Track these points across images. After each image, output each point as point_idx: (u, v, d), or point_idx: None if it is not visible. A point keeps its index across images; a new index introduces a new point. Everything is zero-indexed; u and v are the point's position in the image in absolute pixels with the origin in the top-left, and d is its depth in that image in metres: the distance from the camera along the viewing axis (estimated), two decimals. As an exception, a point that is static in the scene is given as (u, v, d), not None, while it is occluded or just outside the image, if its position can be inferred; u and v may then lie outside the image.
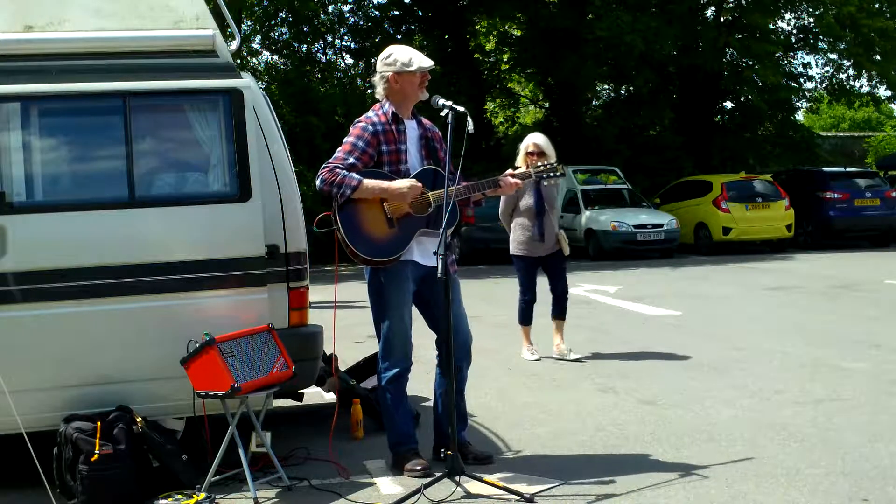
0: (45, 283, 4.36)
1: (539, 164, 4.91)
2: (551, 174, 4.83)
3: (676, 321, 9.69)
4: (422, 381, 5.91)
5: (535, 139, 7.44)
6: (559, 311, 7.68)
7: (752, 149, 26.24)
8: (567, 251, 7.59)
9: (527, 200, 7.50)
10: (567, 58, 22.77)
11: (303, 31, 25.33)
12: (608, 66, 24.33)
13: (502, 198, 7.38)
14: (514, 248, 7.63)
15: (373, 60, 24.21)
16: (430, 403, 5.96)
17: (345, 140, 4.62)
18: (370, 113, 4.69)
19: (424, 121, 4.81)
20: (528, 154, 7.32)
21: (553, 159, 6.88)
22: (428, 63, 4.65)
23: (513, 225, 7.63)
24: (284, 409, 6.00)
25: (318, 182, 4.52)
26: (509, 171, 4.81)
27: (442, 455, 4.33)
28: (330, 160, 4.57)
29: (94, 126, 4.70)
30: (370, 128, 4.60)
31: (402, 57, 4.63)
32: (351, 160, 4.52)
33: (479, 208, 17.49)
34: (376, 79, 4.72)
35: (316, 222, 4.84)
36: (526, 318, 7.75)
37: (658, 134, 25.84)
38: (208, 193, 4.67)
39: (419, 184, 4.51)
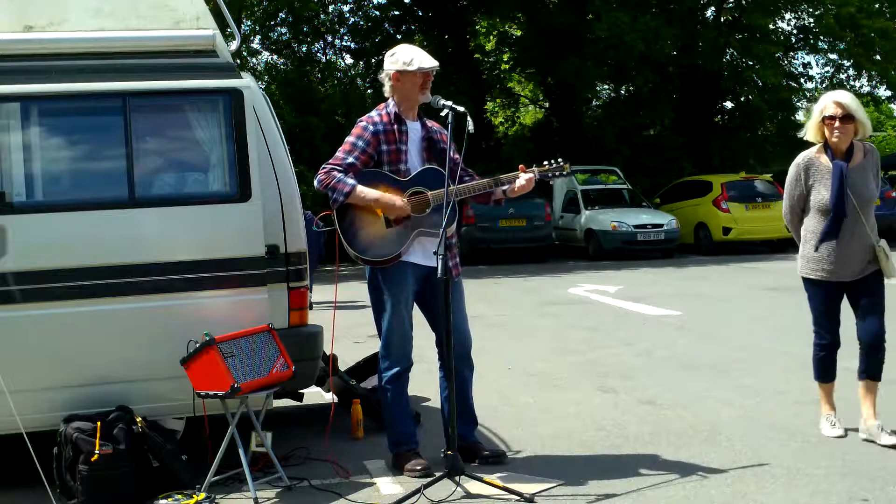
0: (45, 283, 4.36)
1: (545, 162, 4.78)
2: (557, 174, 4.73)
3: (676, 321, 9.68)
4: (422, 382, 5.91)
5: (838, 97, 4.88)
6: (870, 366, 4.93)
7: (753, 149, 26.25)
8: (892, 273, 4.94)
9: (820, 192, 4.92)
10: (567, 58, 22.76)
11: (303, 31, 25.32)
12: (608, 66, 24.30)
13: (785, 193, 5.09)
14: (804, 268, 5.01)
15: (373, 60, 24.40)
16: (431, 403, 5.99)
17: (346, 139, 4.65)
18: (373, 112, 4.72)
19: (430, 123, 4.80)
20: (827, 120, 4.86)
21: (868, 127, 4.92)
22: (429, 64, 4.63)
23: (803, 232, 5.05)
24: (284, 409, 6.00)
25: (315, 183, 4.58)
26: (521, 166, 4.75)
27: (442, 455, 4.33)
28: (329, 161, 4.60)
29: (94, 126, 4.70)
30: (370, 127, 4.62)
31: (405, 56, 4.65)
32: (350, 160, 4.56)
33: (479, 209, 17.58)
34: (383, 76, 4.74)
35: (316, 221, 4.86)
36: (825, 371, 5.08)
37: (658, 134, 25.83)
38: (208, 193, 4.67)
39: (407, 208, 4.51)
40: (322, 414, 5.92)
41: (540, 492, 4.22)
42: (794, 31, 26.49)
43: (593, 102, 28.42)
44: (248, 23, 24.18)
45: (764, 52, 23.54)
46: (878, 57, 24.13)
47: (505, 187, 4.68)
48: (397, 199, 4.51)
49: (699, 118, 25.55)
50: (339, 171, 4.52)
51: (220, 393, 4.19)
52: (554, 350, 8.18)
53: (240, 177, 4.58)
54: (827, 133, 4.87)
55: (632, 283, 13.65)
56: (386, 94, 4.76)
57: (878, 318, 4.91)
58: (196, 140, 4.72)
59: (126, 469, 4.19)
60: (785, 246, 19.32)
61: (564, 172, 4.72)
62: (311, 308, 5.09)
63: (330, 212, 4.59)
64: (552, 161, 4.75)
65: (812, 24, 25.33)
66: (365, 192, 4.50)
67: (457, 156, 4.64)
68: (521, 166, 4.73)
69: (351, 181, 4.50)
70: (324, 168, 4.57)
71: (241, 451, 4.27)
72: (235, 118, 4.61)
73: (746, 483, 4.29)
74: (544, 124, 27.50)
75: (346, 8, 26.09)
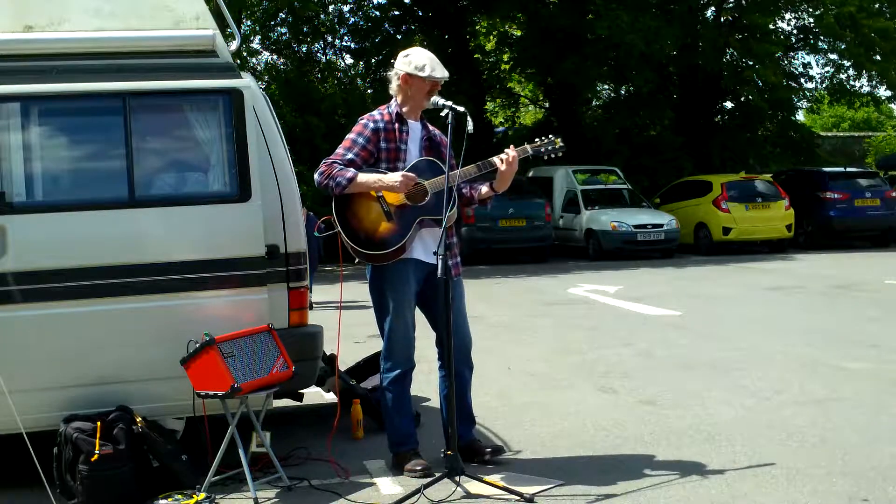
0: (45, 283, 4.36)
1: (536, 139, 4.73)
2: (549, 149, 4.66)
3: (676, 321, 9.68)
4: (422, 381, 5.91)
5: None
6: None
7: (753, 149, 26.25)
8: None
9: None
10: (567, 58, 22.77)
11: (303, 31, 25.34)
12: (608, 66, 24.32)
13: None
14: None
15: (373, 60, 24.38)
16: (431, 404, 5.99)
17: (346, 136, 4.66)
18: (374, 111, 4.73)
19: (431, 126, 4.81)
20: None
21: None
22: (440, 74, 4.61)
23: None
24: (284, 409, 6.00)
25: (315, 176, 4.56)
26: (511, 146, 4.66)
27: (442, 455, 4.32)
28: (329, 156, 4.61)
29: (94, 126, 4.71)
30: (371, 125, 4.62)
31: (418, 61, 4.62)
32: (350, 156, 4.56)
33: (479, 209, 17.57)
34: (391, 73, 4.73)
35: (317, 227, 4.85)
36: None
37: (658, 134, 25.84)
38: (208, 193, 4.67)
39: (412, 175, 4.51)
40: (322, 414, 5.93)
41: (540, 492, 4.22)
42: (794, 31, 26.52)
43: (593, 102, 28.43)
44: (248, 23, 24.18)
45: (764, 51, 23.56)
46: (878, 57, 24.14)
47: (490, 190, 4.67)
48: (397, 175, 4.47)
49: (699, 118, 25.55)
50: (340, 165, 4.53)
51: (220, 393, 4.18)
52: (554, 350, 8.18)
53: (240, 177, 4.58)
54: None
55: (632, 283, 13.65)
56: (391, 92, 4.75)
57: None
58: (196, 140, 4.72)
59: (126, 469, 4.19)
60: (785, 246, 19.36)
61: (556, 146, 4.66)
62: (311, 308, 5.09)
63: (331, 216, 4.58)
64: (544, 137, 4.72)
65: (812, 24, 25.35)
66: (366, 177, 4.49)
67: (453, 161, 4.65)
68: (511, 146, 4.68)
69: (352, 170, 4.50)
70: (324, 162, 4.58)
71: (241, 451, 4.27)
72: (235, 118, 4.61)
73: (746, 483, 4.29)
74: (544, 124, 27.50)
75: (346, 8, 26.10)
